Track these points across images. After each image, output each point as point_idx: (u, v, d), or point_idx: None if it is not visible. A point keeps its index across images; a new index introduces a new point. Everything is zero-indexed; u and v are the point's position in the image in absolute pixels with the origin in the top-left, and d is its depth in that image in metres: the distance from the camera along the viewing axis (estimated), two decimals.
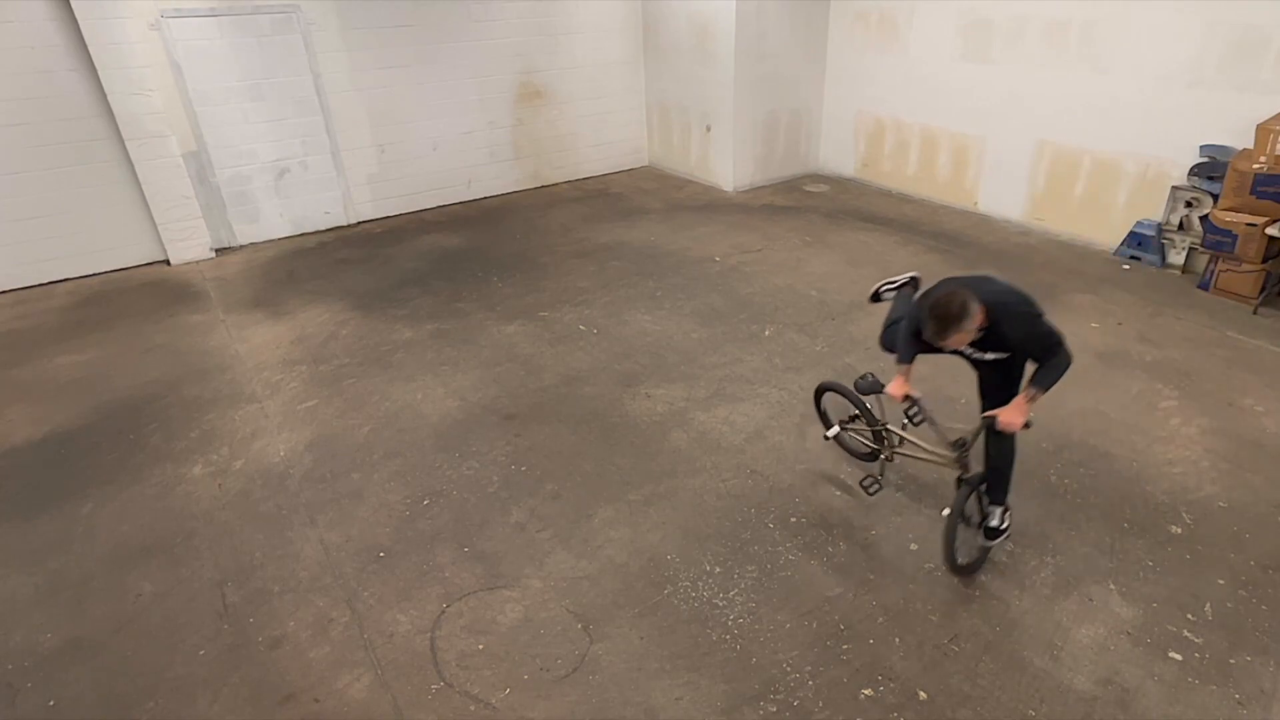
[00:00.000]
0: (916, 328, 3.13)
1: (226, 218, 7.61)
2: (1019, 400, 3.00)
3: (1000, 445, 3.30)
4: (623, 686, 2.91)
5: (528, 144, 9.35)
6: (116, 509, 3.96)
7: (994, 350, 3.06)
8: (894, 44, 8.39)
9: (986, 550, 3.44)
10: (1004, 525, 3.44)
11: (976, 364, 3.29)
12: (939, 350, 3.13)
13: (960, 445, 3.26)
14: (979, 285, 2.96)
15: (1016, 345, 2.99)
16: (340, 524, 3.81)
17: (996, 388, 3.26)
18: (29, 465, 4.36)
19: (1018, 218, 7.80)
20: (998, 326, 2.91)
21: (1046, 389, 2.93)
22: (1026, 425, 2.99)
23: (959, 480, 3.35)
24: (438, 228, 8.22)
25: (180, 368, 5.36)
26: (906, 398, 3.29)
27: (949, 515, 3.22)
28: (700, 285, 6.50)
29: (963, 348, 3.06)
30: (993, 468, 3.36)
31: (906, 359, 3.34)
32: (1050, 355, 2.91)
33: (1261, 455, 4.10)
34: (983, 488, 3.40)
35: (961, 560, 3.31)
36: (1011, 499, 3.52)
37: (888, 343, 3.68)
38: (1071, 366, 2.91)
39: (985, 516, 3.43)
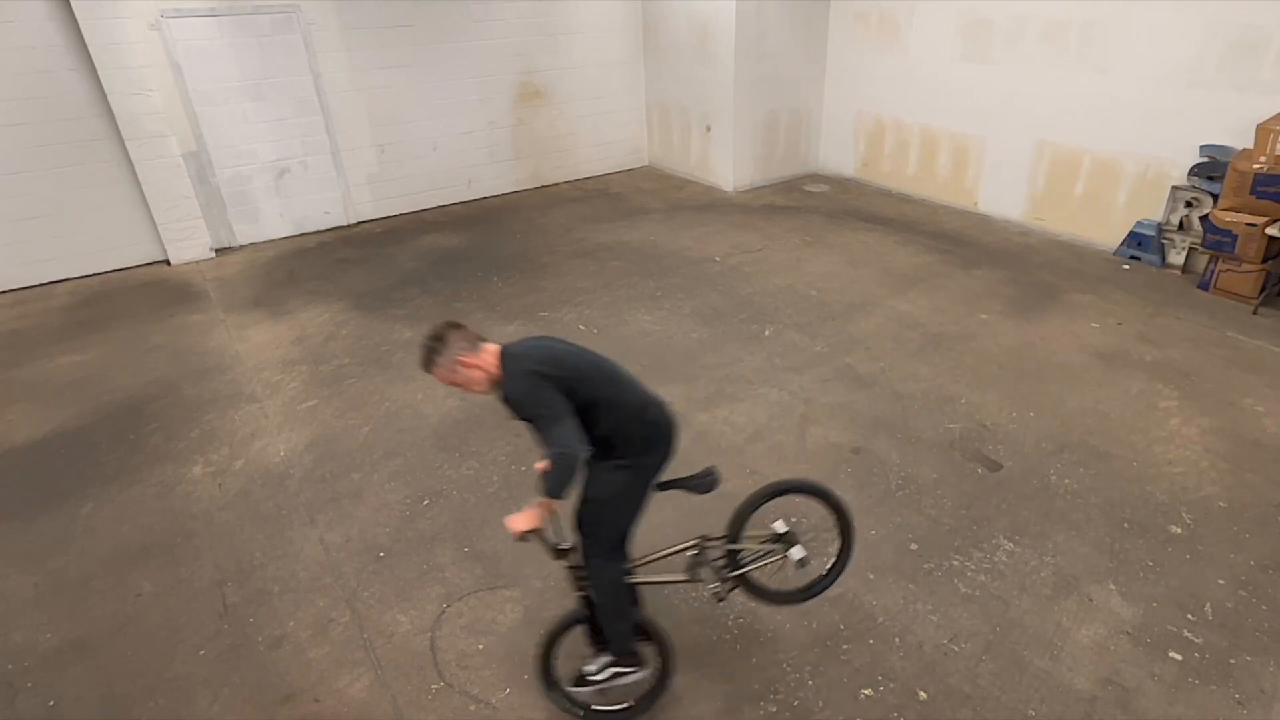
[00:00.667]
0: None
1: (226, 218, 7.61)
2: (532, 505, 2.34)
3: (591, 576, 2.57)
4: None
5: (528, 144, 9.35)
6: (116, 509, 3.96)
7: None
8: (894, 44, 8.39)
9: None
10: (598, 675, 2.66)
11: None
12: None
13: (559, 551, 2.50)
14: (544, 343, 2.48)
15: (515, 410, 2.33)
16: (340, 524, 3.81)
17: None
18: (29, 465, 4.36)
19: (1018, 218, 7.80)
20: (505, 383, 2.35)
21: (549, 494, 2.25)
22: (531, 534, 2.34)
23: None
24: (438, 228, 8.22)
25: (180, 368, 5.36)
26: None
27: (542, 637, 2.70)
28: (700, 285, 6.50)
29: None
30: (594, 603, 2.62)
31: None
32: (546, 435, 2.23)
33: (1261, 455, 4.10)
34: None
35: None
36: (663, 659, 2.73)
37: None
38: (571, 469, 2.21)
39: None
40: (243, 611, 3.30)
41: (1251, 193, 5.66)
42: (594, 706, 2.73)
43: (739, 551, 2.77)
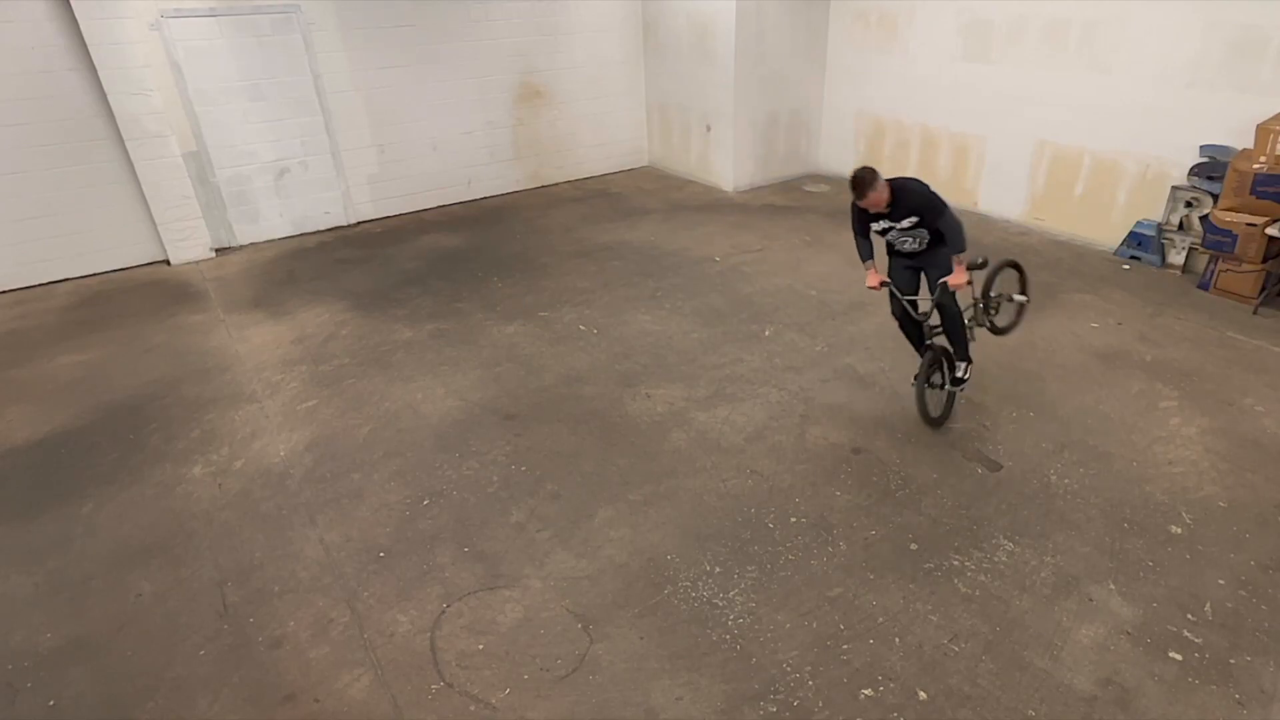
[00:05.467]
0: (857, 225, 4.14)
1: (226, 218, 7.61)
2: (956, 268, 3.97)
3: (945, 312, 4.27)
4: (623, 686, 2.91)
5: (528, 144, 9.35)
6: (116, 509, 3.96)
7: (905, 218, 3.96)
8: (894, 44, 8.39)
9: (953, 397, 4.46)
10: (967, 376, 4.45)
11: (900, 254, 4.23)
12: (871, 222, 4.05)
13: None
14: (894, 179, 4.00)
15: (914, 210, 3.90)
16: (340, 524, 3.81)
17: (930, 266, 4.17)
18: (29, 465, 4.36)
19: (1018, 218, 7.80)
20: (899, 198, 3.89)
21: (961, 248, 3.92)
22: (968, 281, 4.00)
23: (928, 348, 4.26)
24: (438, 228, 8.22)
25: (180, 368, 5.36)
26: (881, 284, 4.18)
27: (916, 381, 4.22)
28: (700, 285, 6.50)
29: (887, 225, 4.02)
30: (947, 333, 4.32)
31: (867, 255, 4.20)
32: (940, 217, 3.88)
33: (1261, 455, 4.10)
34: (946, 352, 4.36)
35: (934, 414, 4.34)
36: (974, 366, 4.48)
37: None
38: (963, 228, 3.90)
39: (953, 370, 4.40)
40: (243, 611, 3.30)
41: (1251, 193, 5.66)
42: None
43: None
